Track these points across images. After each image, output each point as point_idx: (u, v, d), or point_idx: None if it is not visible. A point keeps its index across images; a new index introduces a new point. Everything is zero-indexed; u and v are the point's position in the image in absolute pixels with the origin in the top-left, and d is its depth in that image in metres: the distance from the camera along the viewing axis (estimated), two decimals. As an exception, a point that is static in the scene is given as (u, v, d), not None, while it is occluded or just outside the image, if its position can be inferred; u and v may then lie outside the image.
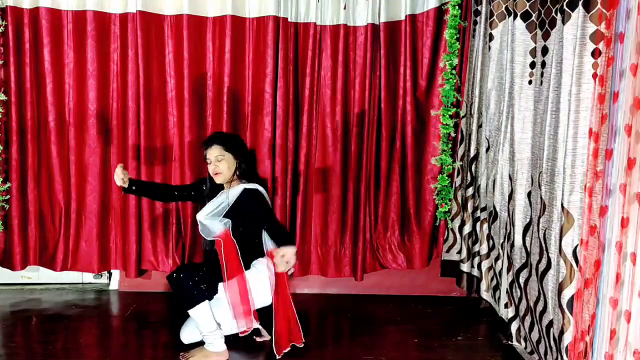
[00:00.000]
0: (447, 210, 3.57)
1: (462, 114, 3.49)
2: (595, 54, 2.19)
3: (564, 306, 2.32)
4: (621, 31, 2.16)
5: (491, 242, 3.16)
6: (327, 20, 3.46)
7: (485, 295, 3.28)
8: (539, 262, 2.54)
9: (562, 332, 2.34)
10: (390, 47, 3.50)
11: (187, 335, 2.94)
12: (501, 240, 3.02)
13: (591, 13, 2.17)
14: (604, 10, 2.15)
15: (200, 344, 2.85)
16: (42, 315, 3.37)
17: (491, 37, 3.09)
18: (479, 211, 3.30)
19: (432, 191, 3.60)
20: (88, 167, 3.52)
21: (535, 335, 2.65)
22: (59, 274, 3.65)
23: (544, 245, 2.49)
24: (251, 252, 2.87)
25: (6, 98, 3.39)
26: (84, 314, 3.40)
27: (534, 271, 2.60)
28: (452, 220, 3.58)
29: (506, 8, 2.95)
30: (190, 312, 2.75)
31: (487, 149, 3.18)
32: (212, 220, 2.82)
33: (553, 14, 2.46)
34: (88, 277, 3.85)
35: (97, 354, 2.93)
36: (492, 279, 3.22)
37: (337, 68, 3.49)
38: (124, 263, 3.59)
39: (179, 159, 3.50)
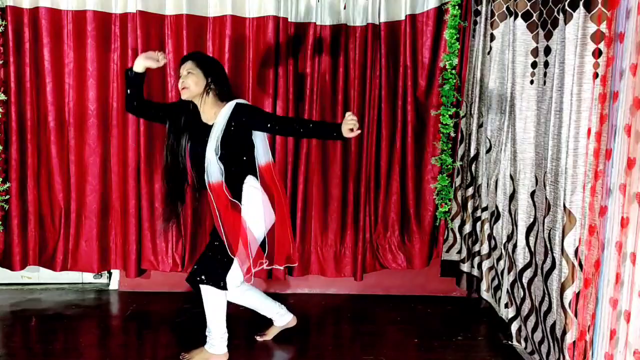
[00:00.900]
0: (447, 210, 3.57)
1: (462, 114, 3.49)
2: (596, 53, 2.19)
3: (566, 306, 2.32)
4: (621, 31, 2.16)
5: (493, 242, 3.16)
6: (327, 20, 3.46)
7: (486, 295, 3.28)
8: (544, 262, 2.54)
9: (564, 332, 2.34)
10: (390, 47, 3.50)
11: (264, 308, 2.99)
12: (503, 241, 3.02)
13: (592, 13, 2.18)
14: (604, 10, 2.15)
15: None
16: (42, 315, 3.37)
17: (492, 37, 3.09)
18: (479, 211, 3.30)
19: (432, 191, 3.60)
20: (88, 167, 3.52)
21: (538, 335, 2.64)
22: (58, 274, 3.65)
23: (548, 245, 2.49)
24: (239, 175, 2.73)
25: (6, 98, 3.39)
26: (84, 314, 3.40)
27: (539, 271, 2.60)
28: (452, 220, 3.58)
29: (507, 8, 2.95)
30: (207, 300, 2.73)
31: (489, 149, 3.17)
32: (215, 158, 2.66)
33: (555, 13, 2.46)
34: (88, 277, 3.85)
35: (97, 354, 2.93)
36: (493, 279, 3.22)
37: (337, 68, 3.49)
38: (124, 263, 3.59)
39: (179, 159, 3.50)
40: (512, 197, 2.89)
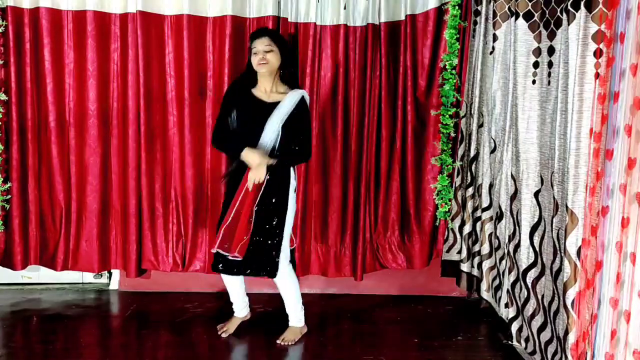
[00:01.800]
0: (447, 210, 3.58)
1: (462, 114, 3.49)
2: (597, 53, 2.19)
3: (569, 306, 2.32)
4: (621, 31, 2.17)
5: (496, 241, 3.15)
6: (327, 20, 3.46)
7: (486, 295, 3.28)
8: (552, 262, 2.53)
9: (566, 332, 2.34)
10: (390, 47, 3.50)
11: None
12: (506, 240, 3.01)
13: (593, 13, 2.18)
14: (605, 10, 2.15)
15: None
16: (42, 315, 3.37)
17: (495, 38, 3.09)
18: (479, 211, 3.30)
19: (432, 191, 3.60)
20: (88, 167, 3.52)
21: (546, 334, 2.62)
22: (59, 273, 3.65)
23: (557, 245, 2.48)
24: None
25: (7, 98, 3.39)
26: (84, 314, 3.40)
27: (547, 271, 2.58)
28: (452, 220, 3.58)
29: (509, 8, 2.95)
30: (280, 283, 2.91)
31: (494, 149, 3.16)
32: (274, 136, 2.75)
33: (558, 13, 2.46)
34: (88, 277, 3.85)
35: (97, 354, 2.93)
36: (494, 279, 3.21)
37: (337, 68, 3.49)
38: (124, 263, 3.59)
39: (179, 159, 3.50)
40: (514, 197, 2.89)
